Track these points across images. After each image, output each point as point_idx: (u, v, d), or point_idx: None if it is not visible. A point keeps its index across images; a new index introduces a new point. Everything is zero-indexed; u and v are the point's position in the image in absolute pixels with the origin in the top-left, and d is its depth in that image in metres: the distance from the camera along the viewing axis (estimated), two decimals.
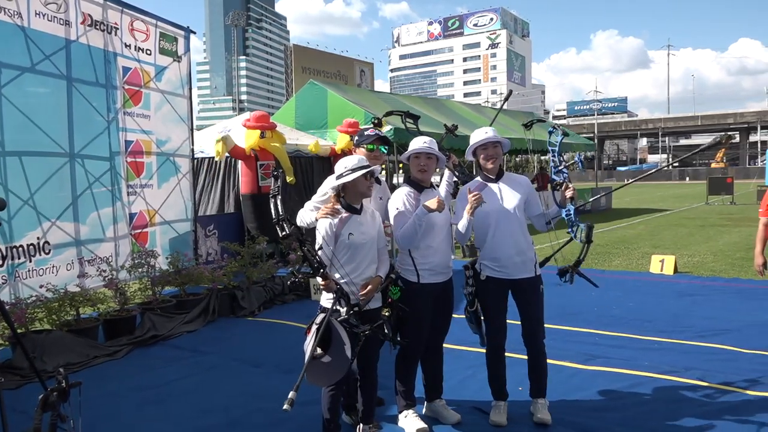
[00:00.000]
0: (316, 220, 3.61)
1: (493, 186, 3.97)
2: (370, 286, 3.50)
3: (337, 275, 3.47)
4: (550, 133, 4.33)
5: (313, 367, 3.20)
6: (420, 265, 3.81)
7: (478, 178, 4.06)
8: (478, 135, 4.00)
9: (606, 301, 7.52)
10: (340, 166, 3.56)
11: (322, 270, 3.29)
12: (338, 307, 3.32)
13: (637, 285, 8.63)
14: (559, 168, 4.05)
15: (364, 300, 3.46)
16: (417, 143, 3.89)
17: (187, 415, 4.19)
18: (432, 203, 3.62)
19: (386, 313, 3.55)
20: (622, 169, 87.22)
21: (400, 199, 3.85)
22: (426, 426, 3.87)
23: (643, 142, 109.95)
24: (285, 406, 2.80)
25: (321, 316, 3.29)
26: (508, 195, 3.97)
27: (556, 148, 4.13)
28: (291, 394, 2.85)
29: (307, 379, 3.17)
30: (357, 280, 3.51)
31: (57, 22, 6.20)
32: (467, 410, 4.18)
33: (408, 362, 3.96)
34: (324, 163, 12.52)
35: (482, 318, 4.04)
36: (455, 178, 4.34)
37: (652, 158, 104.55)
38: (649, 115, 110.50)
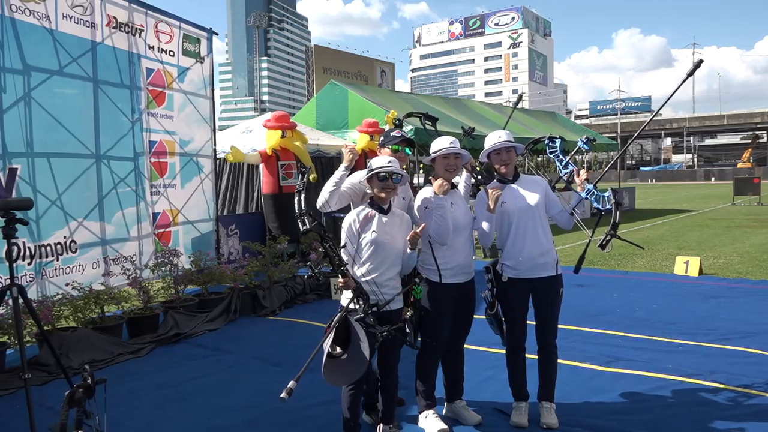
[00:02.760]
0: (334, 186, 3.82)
1: (510, 187, 4.00)
2: (413, 233, 3.55)
3: (358, 273, 3.52)
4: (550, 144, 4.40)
5: (330, 366, 3.22)
6: (442, 265, 3.82)
7: (495, 182, 4.07)
8: (492, 139, 4.02)
9: (629, 302, 7.43)
10: (371, 164, 3.64)
11: (342, 268, 3.29)
12: (356, 306, 3.31)
13: (661, 286, 8.52)
14: (566, 162, 4.19)
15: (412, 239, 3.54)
16: (443, 143, 3.89)
17: (208, 413, 4.24)
18: (435, 186, 3.73)
19: (408, 314, 3.56)
20: (646, 169, 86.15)
21: (424, 199, 3.87)
22: (446, 427, 3.86)
23: (668, 141, 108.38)
24: (282, 395, 2.82)
25: (339, 314, 3.30)
26: (526, 194, 3.98)
27: (557, 151, 4.25)
28: (291, 384, 2.87)
29: (325, 377, 3.20)
30: (379, 279, 3.53)
31: (83, 24, 6.30)
32: (488, 411, 4.17)
33: (429, 362, 3.95)
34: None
35: (503, 319, 4.03)
36: (473, 180, 4.32)
37: (676, 158, 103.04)
38: (673, 115, 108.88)
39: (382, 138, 4.21)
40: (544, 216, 4.03)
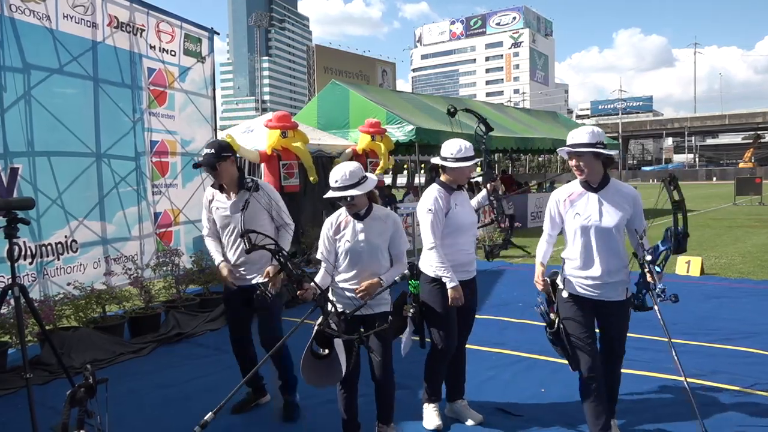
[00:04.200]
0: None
1: (591, 197, 3.45)
2: (363, 287, 3.39)
3: (338, 279, 3.50)
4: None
5: (311, 365, 3.26)
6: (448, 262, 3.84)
7: (576, 182, 3.54)
8: (570, 137, 3.45)
9: None
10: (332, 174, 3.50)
11: (298, 278, 3.23)
12: (329, 315, 3.32)
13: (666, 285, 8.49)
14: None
15: (364, 295, 3.36)
16: (453, 147, 3.90)
17: (201, 414, 4.22)
18: (452, 294, 3.74)
19: (411, 311, 3.57)
20: (647, 168, 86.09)
21: (430, 199, 3.88)
22: (440, 423, 3.93)
23: (669, 141, 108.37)
24: (196, 429, 2.95)
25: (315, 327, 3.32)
26: (608, 210, 3.44)
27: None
28: (207, 416, 3.01)
29: (303, 376, 3.27)
30: (354, 285, 3.46)
31: (84, 24, 6.30)
32: (490, 411, 4.16)
33: (439, 362, 3.95)
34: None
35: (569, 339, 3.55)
36: (492, 201, 4.32)
37: (678, 158, 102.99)
38: (674, 114, 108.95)
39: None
40: (622, 236, 3.55)
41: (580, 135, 3.38)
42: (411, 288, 3.73)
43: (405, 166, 21.19)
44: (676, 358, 3.47)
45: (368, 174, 3.45)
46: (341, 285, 3.50)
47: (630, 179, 65.03)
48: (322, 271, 3.53)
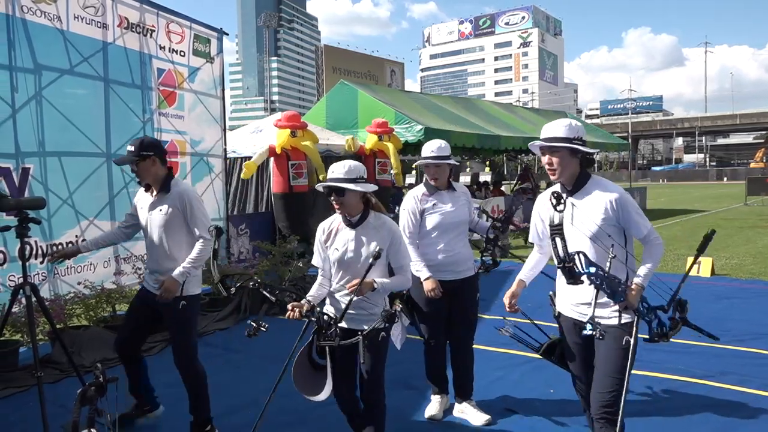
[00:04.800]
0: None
1: (568, 201, 2.91)
2: (354, 282, 3.12)
3: (333, 288, 3.33)
4: None
5: (301, 371, 3.25)
6: (426, 262, 3.94)
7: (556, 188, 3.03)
8: (544, 131, 3.06)
9: None
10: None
11: (283, 305, 3.20)
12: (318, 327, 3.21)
13: (672, 287, 8.44)
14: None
15: (354, 291, 3.08)
16: (428, 149, 3.99)
17: (217, 412, 4.24)
18: (426, 286, 3.84)
19: (398, 307, 3.57)
20: (657, 169, 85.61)
21: (408, 198, 4.03)
22: (437, 413, 4.09)
23: (679, 141, 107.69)
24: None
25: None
26: (581, 217, 2.87)
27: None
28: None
29: (293, 378, 3.23)
30: (346, 296, 3.20)
31: (95, 25, 6.34)
32: (498, 411, 4.16)
33: (427, 355, 4.11)
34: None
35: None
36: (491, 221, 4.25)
37: (688, 158, 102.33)
38: (684, 114, 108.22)
39: None
40: (607, 247, 2.79)
41: (555, 128, 2.93)
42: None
43: (413, 166, 21.17)
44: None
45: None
46: (336, 296, 3.32)
47: (640, 179, 64.70)
48: (318, 280, 3.40)
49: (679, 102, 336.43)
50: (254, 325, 3.23)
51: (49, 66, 5.83)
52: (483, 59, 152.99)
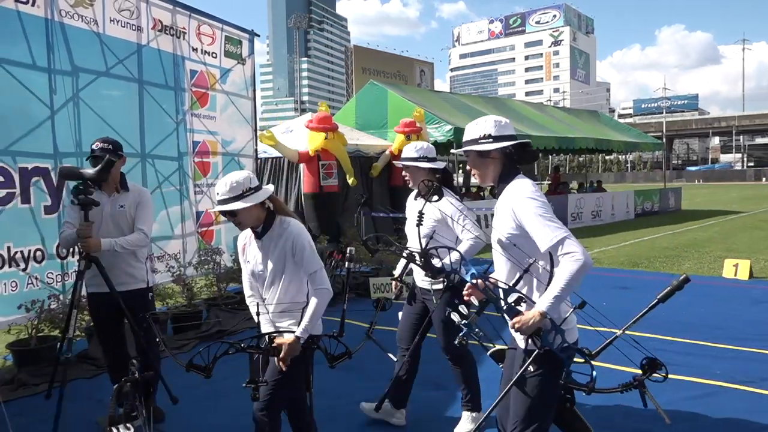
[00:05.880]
0: None
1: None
2: (282, 354, 2.86)
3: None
4: None
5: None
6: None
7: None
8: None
9: (674, 306, 7.18)
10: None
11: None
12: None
13: (709, 290, 8.26)
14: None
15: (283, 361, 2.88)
16: (408, 148, 3.97)
17: (246, 410, 4.27)
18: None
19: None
20: (693, 169, 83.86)
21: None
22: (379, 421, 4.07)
23: (716, 141, 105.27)
24: None
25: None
26: (495, 223, 2.60)
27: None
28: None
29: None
30: (270, 310, 3.07)
31: (129, 27, 6.46)
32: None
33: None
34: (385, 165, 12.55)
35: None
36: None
37: (724, 158, 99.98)
38: (720, 113, 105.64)
39: None
40: (511, 256, 2.52)
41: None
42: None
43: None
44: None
45: (265, 186, 3.01)
46: (262, 309, 3.10)
47: (675, 179, 63.47)
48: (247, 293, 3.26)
49: (715, 100, 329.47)
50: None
51: (86, 68, 5.95)
52: (513, 58, 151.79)
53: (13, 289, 5.18)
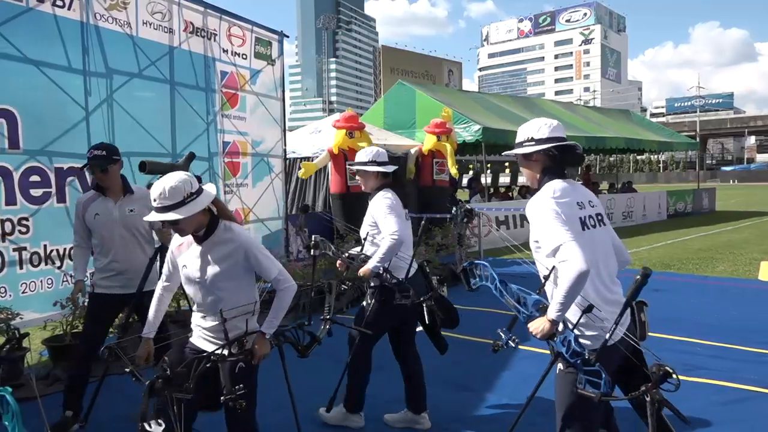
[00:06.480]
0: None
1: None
2: (256, 352, 2.82)
3: (194, 315, 2.95)
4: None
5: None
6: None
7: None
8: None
9: (707, 308, 7.09)
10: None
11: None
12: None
13: (744, 293, 8.08)
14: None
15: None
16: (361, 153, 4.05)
17: (271, 408, 4.30)
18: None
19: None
20: (727, 168, 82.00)
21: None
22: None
23: (752, 140, 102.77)
24: None
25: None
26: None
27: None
28: None
29: None
30: (205, 323, 2.88)
31: (162, 30, 6.57)
32: (540, 411, 4.06)
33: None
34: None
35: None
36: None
37: (761, 157, 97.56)
38: (757, 112, 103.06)
39: None
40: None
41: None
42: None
43: (470, 166, 21.01)
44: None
45: (205, 187, 2.81)
46: (196, 322, 2.92)
47: (708, 180, 62.14)
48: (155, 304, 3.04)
49: (752, 99, 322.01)
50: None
51: (120, 70, 6.07)
52: (543, 57, 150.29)
53: (50, 286, 5.32)
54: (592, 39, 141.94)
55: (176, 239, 2.90)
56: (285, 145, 8.85)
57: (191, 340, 2.91)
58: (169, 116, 6.75)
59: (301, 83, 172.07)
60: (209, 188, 2.79)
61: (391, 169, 3.94)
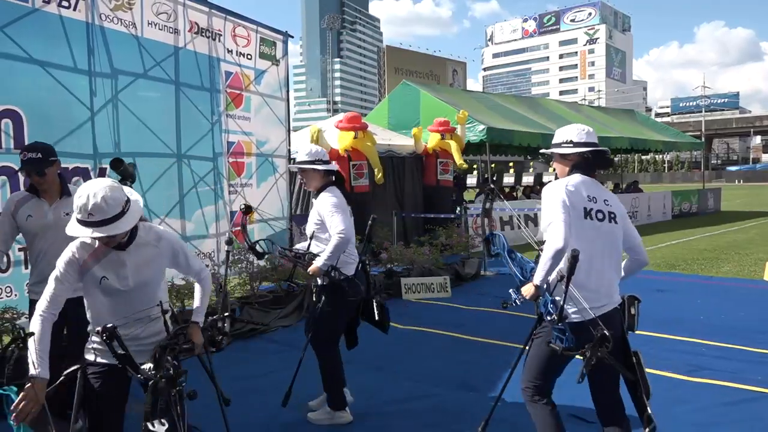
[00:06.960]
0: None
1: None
2: (196, 343, 2.80)
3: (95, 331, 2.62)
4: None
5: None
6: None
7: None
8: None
9: (712, 309, 7.07)
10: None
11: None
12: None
13: (749, 293, 8.05)
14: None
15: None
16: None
17: (278, 408, 4.32)
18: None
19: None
20: (733, 168, 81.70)
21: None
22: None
23: (757, 140, 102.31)
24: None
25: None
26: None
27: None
28: None
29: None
30: (133, 337, 2.62)
31: (167, 30, 6.59)
32: (564, 417, 4.06)
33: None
34: (416, 163, 12.55)
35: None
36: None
37: (767, 157, 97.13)
38: (763, 111, 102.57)
39: None
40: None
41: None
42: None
43: (474, 166, 20.99)
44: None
45: (130, 195, 2.57)
46: (125, 335, 2.48)
47: (714, 180, 61.93)
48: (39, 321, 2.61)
49: (757, 99, 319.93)
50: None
51: (125, 70, 6.09)
52: (547, 57, 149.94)
53: None
54: (596, 39, 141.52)
55: (79, 252, 2.57)
56: (289, 146, 8.86)
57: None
58: (174, 116, 6.76)
59: (305, 83, 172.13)
60: (127, 190, 2.59)
61: (334, 167, 4.14)
